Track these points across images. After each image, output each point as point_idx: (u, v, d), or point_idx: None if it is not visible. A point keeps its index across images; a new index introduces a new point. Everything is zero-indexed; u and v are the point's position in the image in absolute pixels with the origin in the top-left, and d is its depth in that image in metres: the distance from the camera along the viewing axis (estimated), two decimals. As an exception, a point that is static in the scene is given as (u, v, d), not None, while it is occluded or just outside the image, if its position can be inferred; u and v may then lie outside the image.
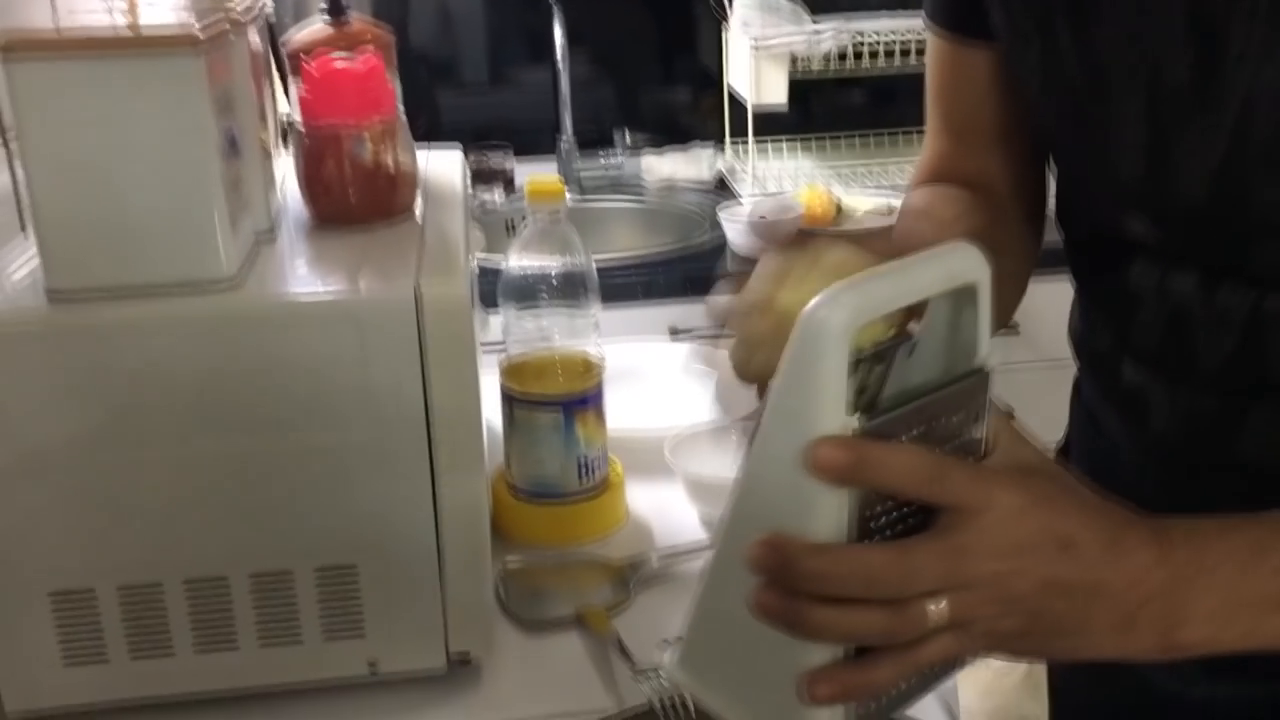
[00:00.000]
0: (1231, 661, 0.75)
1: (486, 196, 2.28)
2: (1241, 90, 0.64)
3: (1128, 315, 0.77)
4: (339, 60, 0.91)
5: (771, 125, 2.40)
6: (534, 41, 2.43)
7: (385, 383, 0.78)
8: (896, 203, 2.20)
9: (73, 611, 0.81)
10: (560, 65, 2.35)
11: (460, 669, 0.87)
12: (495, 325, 1.07)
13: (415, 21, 2.47)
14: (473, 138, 2.29)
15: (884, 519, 0.53)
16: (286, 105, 1.10)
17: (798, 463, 0.50)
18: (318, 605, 0.83)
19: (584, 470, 1.04)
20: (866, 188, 2.31)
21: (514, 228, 2.10)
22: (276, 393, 0.78)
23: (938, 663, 0.54)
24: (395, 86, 0.97)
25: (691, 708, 0.77)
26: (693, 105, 2.53)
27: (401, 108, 0.95)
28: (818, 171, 2.38)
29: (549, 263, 1.04)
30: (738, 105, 2.36)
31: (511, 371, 1.04)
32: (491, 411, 1.03)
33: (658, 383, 1.34)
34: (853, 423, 0.51)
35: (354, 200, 0.90)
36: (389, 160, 0.91)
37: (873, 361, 0.54)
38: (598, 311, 1.06)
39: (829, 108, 2.52)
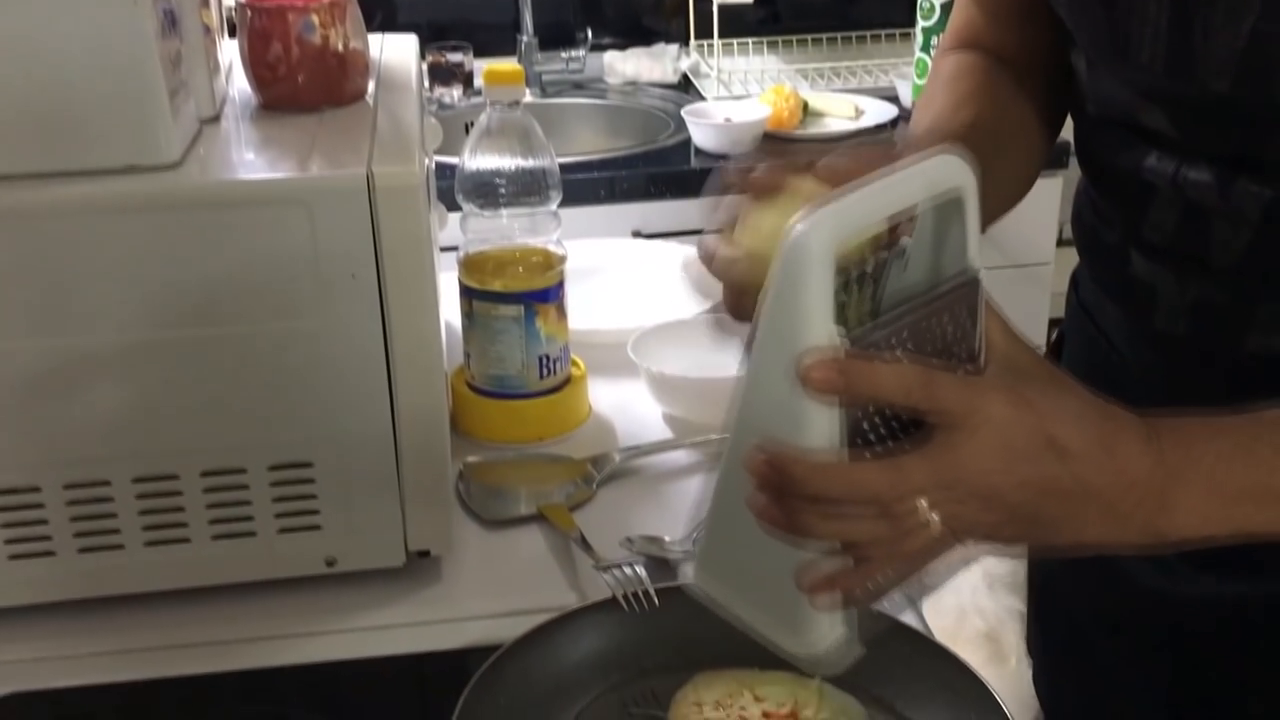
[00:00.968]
0: (1219, 559, 0.76)
1: (444, 95, 2.22)
2: None
3: (1141, 207, 0.75)
4: (284, -65, 0.87)
5: (737, 25, 2.35)
6: (493, -65, 2.35)
7: (337, 271, 0.75)
8: (864, 104, 2.17)
9: (17, 510, 0.78)
10: (520, -40, 2.28)
11: (420, 565, 0.86)
12: (454, 225, 1.04)
13: (369, -86, 2.39)
14: (430, 35, 2.23)
15: (876, 429, 0.54)
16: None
17: (789, 379, 0.52)
18: (273, 504, 0.81)
19: (545, 367, 1.02)
20: (834, 88, 2.27)
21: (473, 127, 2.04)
22: (224, 281, 0.75)
23: (930, 560, 0.55)
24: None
25: (655, 597, 0.76)
26: (657, 3, 2.47)
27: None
28: (784, 72, 2.33)
29: (509, 158, 1.00)
30: (703, 3, 2.30)
31: (470, 266, 1.02)
32: (450, 311, 1.01)
33: (621, 282, 1.32)
34: (839, 338, 0.52)
35: (302, 83, 0.87)
36: (338, 42, 0.87)
37: (866, 275, 0.55)
38: (559, 207, 1.03)
39: (796, 7, 2.46)
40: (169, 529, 0.80)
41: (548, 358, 1.02)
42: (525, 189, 1.01)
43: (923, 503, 0.52)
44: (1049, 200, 2.02)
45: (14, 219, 0.73)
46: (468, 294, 1.01)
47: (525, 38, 2.31)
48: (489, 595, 0.85)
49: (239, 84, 0.92)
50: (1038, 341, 0.94)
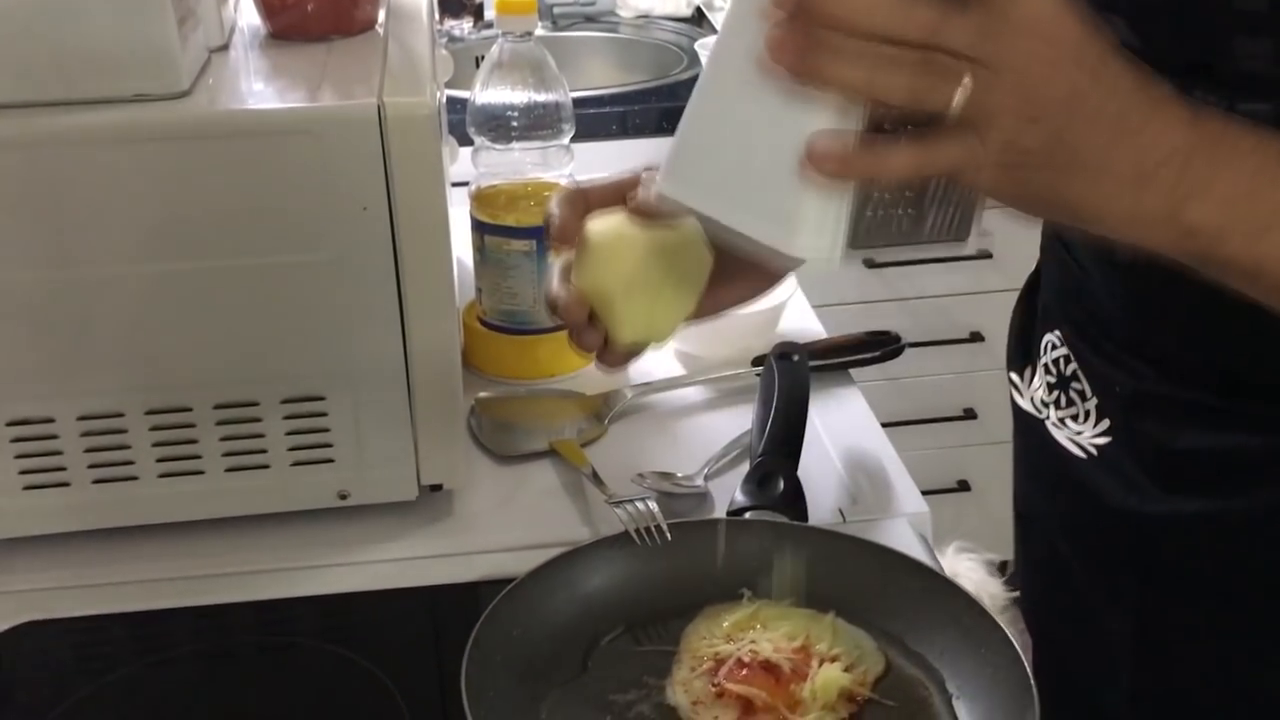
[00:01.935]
0: (1189, 476, 0.76)
1: (455, 27, 2.20)
2: None
3: None
4: None
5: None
6: None
7: (348, 203, 0.74)
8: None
9: (31, 441, 0.78)
10: (532, -111, 2.24)
11: (432, 499, 0.86)
12: (465, 160, 1.03)
13: None
14: (440, -34, 2.20)
15: None
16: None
17: None
18: (286, 437, 0.81)
19: (557, 302, 1.01)
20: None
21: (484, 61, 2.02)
22: (234, 212, 0.74)
23: (950, 165, 0.50)
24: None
25: (667, 532, 0.76)
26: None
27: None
28: (799, 6, 2.30)
29: (521, 90, 0.99)
30: (717, -66, 2.26)
31: (482, 200, 1.01)
32: (461, 248, 1.00)
33: (633, 217, 1.31)
34: None
35: (311, 11, 0.85)
36: (348, -31, 0.86)
37: None
38: (571, 141, 1.02)
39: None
40: (182, 461, 0.80)
41: (560, 293, 1.02)
42: (537, 122, 1.00)
43: (959, 69, 0.47)
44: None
45: (22, 148, 0.72)
46: (479, 228, 1.01)
47: (537, -31, 2.28)
48: (501, 529, 0.86)
49: (247, 13, 0.90)
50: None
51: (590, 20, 2.32)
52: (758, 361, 0.99)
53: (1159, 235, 0.53)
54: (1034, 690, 0.64)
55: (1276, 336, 0.64)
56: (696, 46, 2.02)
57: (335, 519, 0.85)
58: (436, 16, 1.98)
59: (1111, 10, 0.70)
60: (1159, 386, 0.77)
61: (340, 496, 0.83)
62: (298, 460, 0.82)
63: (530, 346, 1.02)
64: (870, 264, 1.96)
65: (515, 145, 1.00)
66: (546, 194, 1.01)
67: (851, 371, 1.03)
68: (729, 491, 0.83)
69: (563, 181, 1.01)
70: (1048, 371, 0.85)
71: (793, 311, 1.10)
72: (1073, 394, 0.83)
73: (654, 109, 1.90)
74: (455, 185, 1.03)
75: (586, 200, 0.69)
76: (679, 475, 0.88)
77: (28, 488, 0.80)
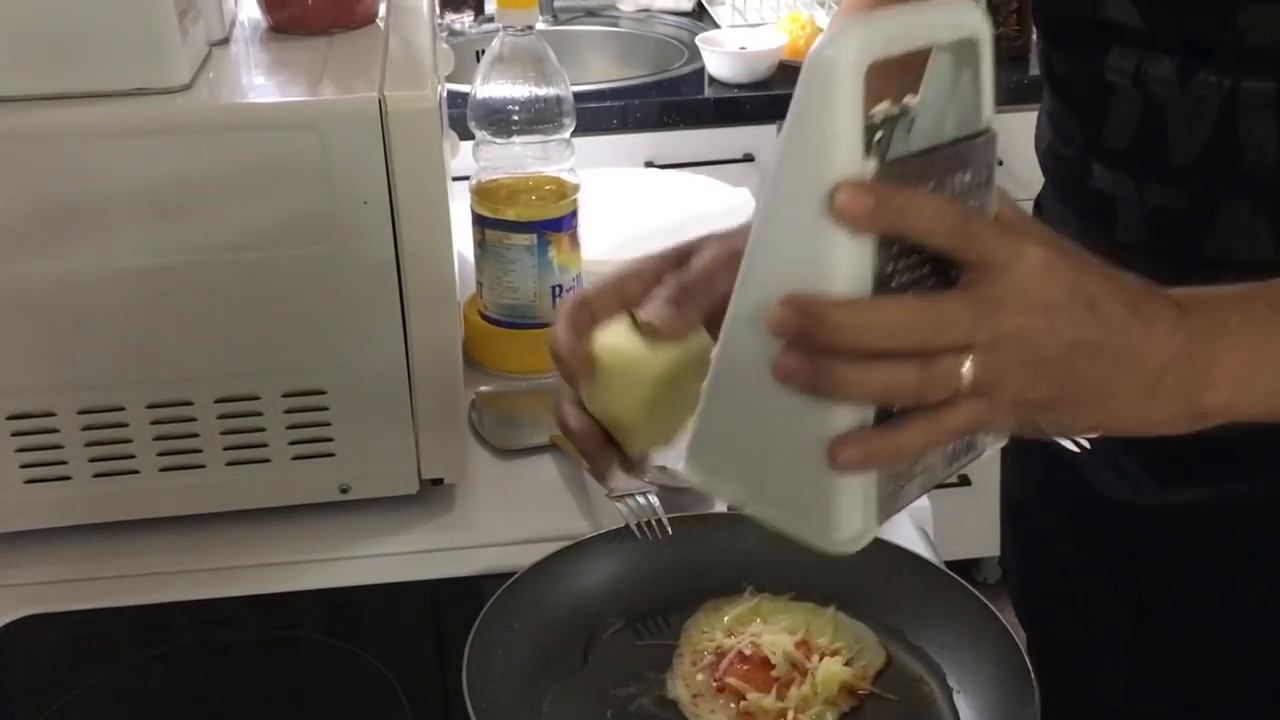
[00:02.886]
0: (1182, 468, 0.76)
1: (455, 21, 2.19)
2: None
3: (1101, 111, 0.76)
4: None
5: (753, -50, 2.30)
6: None
7: (350, 197, 0.74)
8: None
9: (32, 435, 0.79)
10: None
11: (434, 493, 0.86)
12: (466, 153, 1.03)
13: None
14: (441, -40, 2.19)
15: (902, 276, 0.50)
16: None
17: (815, 212, 0.47)
18: (287, 431, 0.81)
19: (558, 296, 1.02)
20: (850, 17, 2.23)
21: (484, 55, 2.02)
22: (235, 205, 0.74)
23: (964, 431, 0.52)
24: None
25: (668, 526, 0.76)
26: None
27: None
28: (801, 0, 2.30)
29: (522, 85, 0.99)
30: (718, -72, 2.26)
31: (483, 194, 1.01)
32: (462, 242, 1.00)
33: (634, 212, 1.31)
34: (870, 166, 0.47)
35: (312, 4, 0.85)
36: (349, -37, 0.86)
37: (871, 144, 0.50)
38: (571, 135, 1.02)
39: (812, -67, 2.41)
40: (184, 454, 0.80)
41: (560, 287, 1.02)
42: (538, 116, 1.00)
43: (961, 360, 0.49)
44: (1029, 134, 1.99)
45: (22, 141, 0.72)
46: (480, 222, 1.01)
47: (537, -37, 2.28)
48: (502, 523, 0.86)
49: (248, 6, 0.90)
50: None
51: (591, 14, 2.32)
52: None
53: (1178, 427, 0.54)
54: (1035, 684, 0.64)
55: None
56: (697, 41, 2.01)
57: (336, 513, 0.85)
58: (437, 10, 1.98)
59: None
60: None
61: (341, 490, 0.83)
62: (299, 454, 0.82)
63: (531, 340, 1.02)
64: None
65: (516, 139, 1.00)
66: (547, 188, 1.01)
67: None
68: (730, 486, 0.83)
69: (564, 176, 1.01)
70: None
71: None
72: None
73: (654, 103, 1.90)
74: (456, 179, 1.03)
75: (591, 312, 0.66)
76: (680, 469, 0.88)
77: (29, 481, 0.80)
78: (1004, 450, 0.95)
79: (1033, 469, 0.92)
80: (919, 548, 0.79)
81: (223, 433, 0.80)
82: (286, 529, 0.84)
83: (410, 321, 0.78)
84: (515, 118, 1.00)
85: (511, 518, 0.86)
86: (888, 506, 0.53)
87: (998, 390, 0.50)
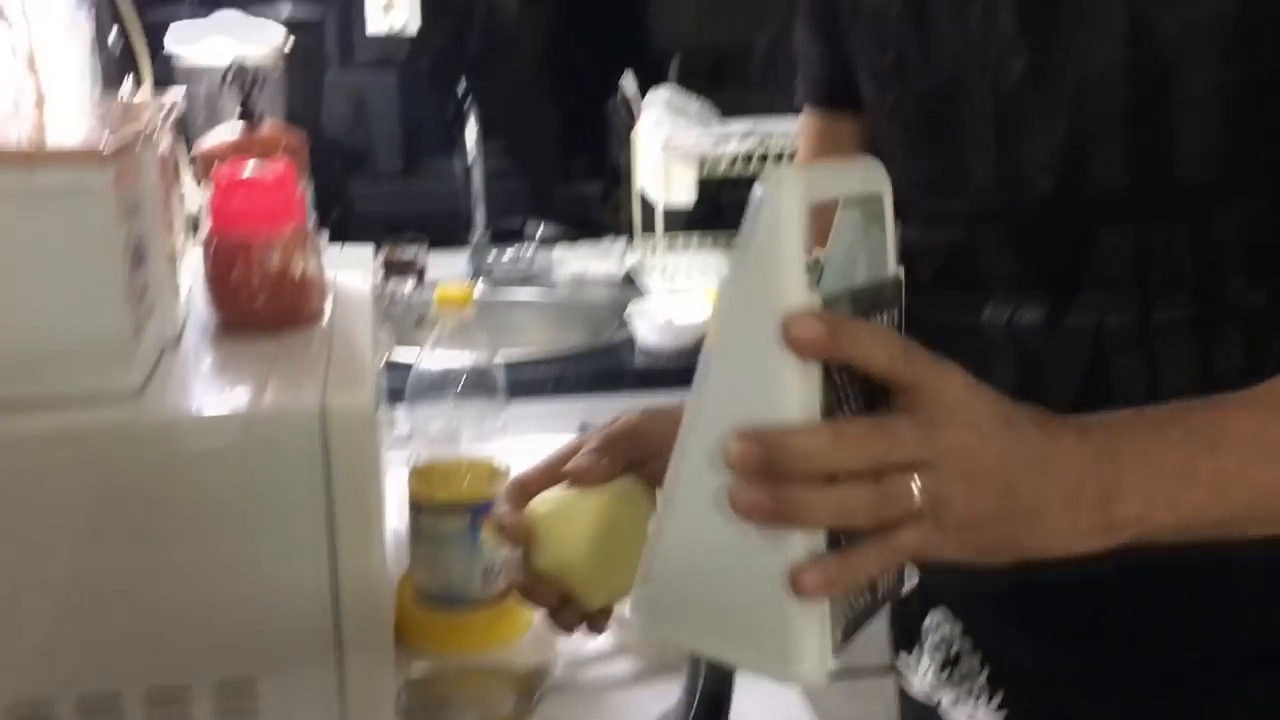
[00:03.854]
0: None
1: (398, 288, 2.28)
2: (1073, 74, 0.72)
3: (983, 369, 0.81)
4: (250, 169, 0.92)
5: (681, 221, 2.44)
6: (448, 133, 2.45)
7: (288, 497, 0.77)
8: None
9: (-45, 731, 0.78)
10: (473, 157, 2.37)
11: (359, 785, 0.85)
12: (403, 421, 1.07)
13: (329, 110, 2.48)
14: (385, 228, 2.29)
15: (847, 408, 0.53)
16: (194, 202, 1.10)
17: (768, 342, 0.49)
18: (214, 720, 0.81)
19: (489, 577, 1.04)
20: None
21: (424, 320, 2.10)
22: (173, 505, 0.76)
23: (913, 552, 0.54)
24: (306, 192, 0.98)
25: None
26: (604, 200, 2.56)
27: (313, 214, 0.95)
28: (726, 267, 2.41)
29: (458, 359, 1.04)
30: (649, 200, 2.40)
31: (419, 476, 1.04)
32: (395, 515, 1.02)
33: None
34: (816, 299, 0.51)
35: (261, 307, 0.90)
36: (297, 268, 0.91)
37: (811, 273, 0.54)
38: (508, 400, 1.06)
39: (738, 204, 2.55)
40: (109, 750, 0.80)
41: (492, 565, 1.04)
42: (473, 391, 1.05)
43: (910, 480, 0.52)
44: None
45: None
46: (414, 507, 1.04)
47: (477, 234, 2.40)
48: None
49: (199, 293, 0.94)
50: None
51: (528, 279, 2.43)
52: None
53: (1098, 541, 0.58)
54: None
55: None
56: (628, 313, 2.09)
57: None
58: (380, 286, 2.06)
59: (985, 218, 0.78)
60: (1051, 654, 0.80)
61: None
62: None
63: (463, 622, 1.04)
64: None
65: (452, 413, 1.04)
66: (480, 470, 1.05)
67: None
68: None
69: (495, 459, 1.05)
70: (936, 649, 0.88)
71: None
72: (963, 671, 0.86)
73: (587, 370, 1.98)
74: (392, 445, 1.06)
75: (525, 490, 0.73)
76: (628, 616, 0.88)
77: (-53, 781, 0.78)
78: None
79: None
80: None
81: (149, 723, 0.80)
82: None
83: (343, 622, 0.79)
84: (450, 390, 1.04)
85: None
86: (845, 636, 0.54)
87: (944, 509, 0.53)
